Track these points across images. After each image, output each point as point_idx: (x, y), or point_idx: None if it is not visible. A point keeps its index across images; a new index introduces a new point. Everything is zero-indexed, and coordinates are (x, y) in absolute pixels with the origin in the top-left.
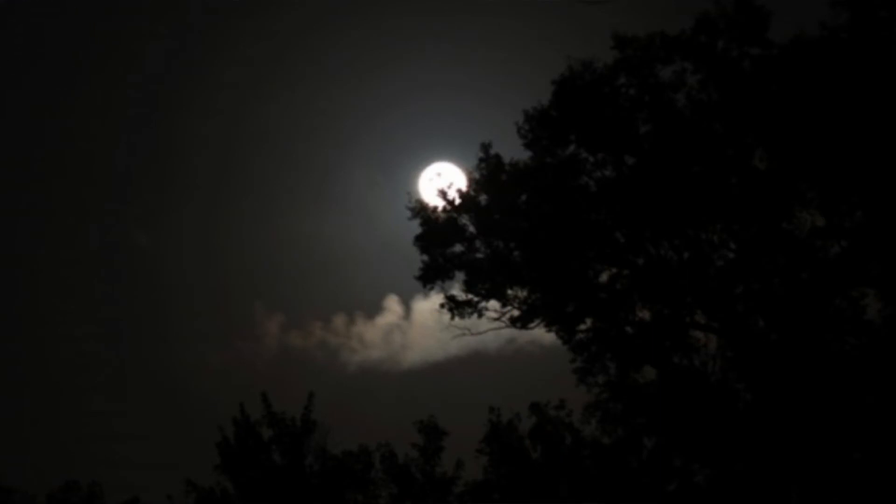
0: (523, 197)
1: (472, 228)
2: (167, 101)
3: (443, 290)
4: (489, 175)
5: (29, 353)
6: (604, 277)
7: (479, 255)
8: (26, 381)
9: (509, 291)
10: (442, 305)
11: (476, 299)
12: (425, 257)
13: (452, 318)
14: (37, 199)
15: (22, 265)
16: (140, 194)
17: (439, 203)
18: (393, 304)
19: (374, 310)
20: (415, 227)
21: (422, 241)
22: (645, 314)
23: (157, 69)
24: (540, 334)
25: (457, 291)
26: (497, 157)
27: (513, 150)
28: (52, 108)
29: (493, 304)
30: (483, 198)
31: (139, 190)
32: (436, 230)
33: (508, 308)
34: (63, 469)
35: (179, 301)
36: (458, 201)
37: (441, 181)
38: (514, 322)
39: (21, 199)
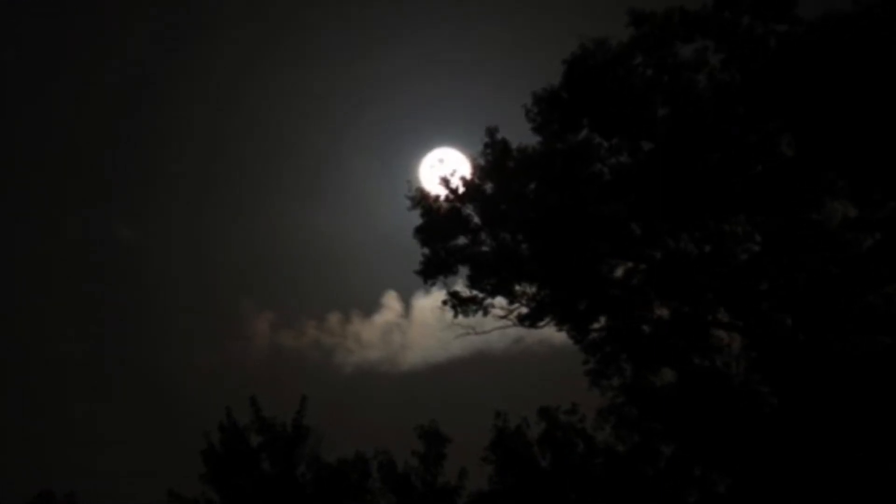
0: (532, 185)
1: (476, 219)
2: (151, 87)
3: (445, 285)
4: (495, 162)
5: (4, 354)
6: (618, 272)
7: (485, 248)
8: (3, 383)
9: (517, 287)
10: (444, 302)
11: (481, 296)
12: (426, 250)
13: (455, 316)
14: (13, 192)
15: None
16: (123, 185)
17: (441, 192)
18: (391, 301)
19: (371, 307)
20: (415, 219)
21: (422, 233)
22: (663, 312)
23: (140, 53)
24: (549, 333)
25: (460, 287)
26: (504, 142)
27: (521, 135)
28: (29, 96)
29: (499, 300)
30: (489, 186)
31: (122, 181)
32: (438, 221)
33: (515, 305)
34: (42, 477)
35: (165, 298)
36: (461, 190)
37: (443, 168)
38: (521, 320)
39: None
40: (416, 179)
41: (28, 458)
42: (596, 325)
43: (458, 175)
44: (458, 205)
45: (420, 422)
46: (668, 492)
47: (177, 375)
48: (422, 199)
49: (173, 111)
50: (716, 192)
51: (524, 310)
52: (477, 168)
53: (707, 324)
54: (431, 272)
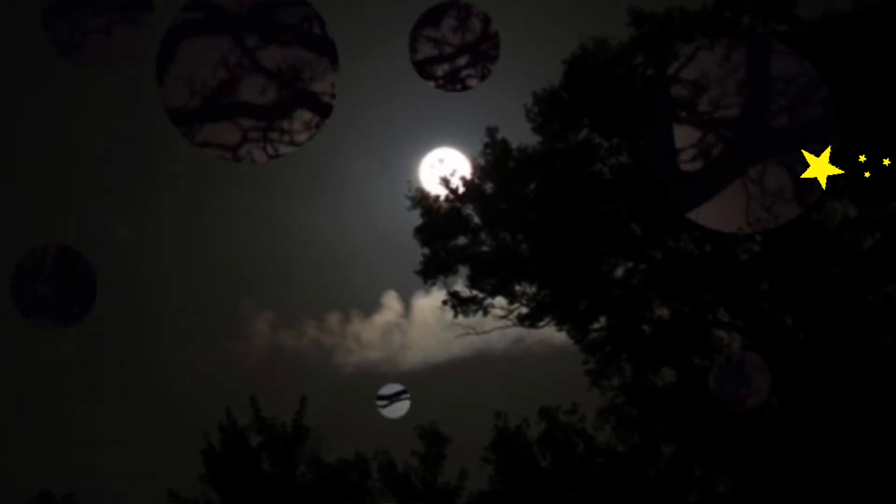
0: (532, 185)
1: (476, 219)
2: (148, 83)
3: (445, 285)
4: (495, 162)
5: (4, 354)
6: (619, 272)
7: (485, 248)
8: (3, 383)
9: (517, 287)
10: (444, 302)
11: (481, 296)
12: (426, 250)
13: (455, 315)
14: (13, 192)
15: None
16: (122, 185)
17: (441, 192)
18: (391, 301)
19: (371, 307)
20: (415, 219)
21: (422, 234)
22: (663, 312)
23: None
24: (550, 333)
25: (460, 287)
26: (504, 142)
27: (521, 135)
28: (29, 96)
29: (500, 300)
30: (489, 186)
31: (121, 181)
32: (438, 221)
33: (516, 305)
34: (42, 477)
35: (164, 298)
36: (461, 190)
37: (443, 168)
38: (521, 320)
39: None
40: (416, 179)
41: (28, 458)
42: (596, 325)
43: (458, 175)
44: (458, 205)
45: (420, 422)
46: (668, 492)
47: (176, 375)
48: (422, 199)
49: None
50: None
51: (524, 309)
52: (477, 168)
53: (707, 324)
54: (431, 272)
